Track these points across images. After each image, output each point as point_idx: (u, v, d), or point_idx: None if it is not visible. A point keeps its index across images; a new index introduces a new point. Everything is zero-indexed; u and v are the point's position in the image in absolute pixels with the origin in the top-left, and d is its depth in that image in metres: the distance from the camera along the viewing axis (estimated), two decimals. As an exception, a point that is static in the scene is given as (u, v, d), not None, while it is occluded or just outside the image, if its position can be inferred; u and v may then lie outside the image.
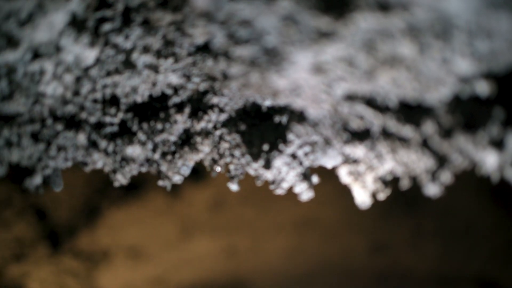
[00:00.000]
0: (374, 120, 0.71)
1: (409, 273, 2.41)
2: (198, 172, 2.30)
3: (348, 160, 0.81)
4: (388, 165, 0.77)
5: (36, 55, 0.75)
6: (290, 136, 0.86)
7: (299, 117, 0.78)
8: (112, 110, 0.84)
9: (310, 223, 2.40)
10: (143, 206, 2.34)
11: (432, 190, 0.69)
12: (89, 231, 2.31)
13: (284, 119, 0.88)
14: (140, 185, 2.32)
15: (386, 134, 0.72)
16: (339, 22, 0.57)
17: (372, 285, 2.40)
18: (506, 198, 2.32)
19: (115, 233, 2.32)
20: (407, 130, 0.68)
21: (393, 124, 0.69)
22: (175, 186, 2.32)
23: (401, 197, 2.38)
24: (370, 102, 0.70)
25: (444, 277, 2.40)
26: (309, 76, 0.66)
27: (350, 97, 0.70)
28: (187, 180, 2.37)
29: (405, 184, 0.72)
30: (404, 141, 0.71)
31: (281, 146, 0.86)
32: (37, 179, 0.82)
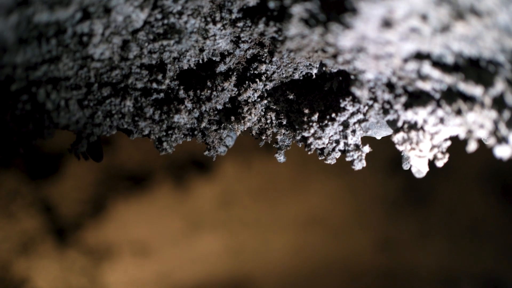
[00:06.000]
0: (441, 81, 0.68)
1: (416, 270, 2.39)
2: (206, 166, 2.29)
3: (405, 127, 0.78)
4: (450, 129, 0.74)
5: (86, 15, 0.72)
6: (342, 104, 0.83)
7: (356, 80, 0.75)
8: (159, 77, 0.81)
9: (317, 221, 2.38)
10: (150, 201, 2.32)
11: (502, 152, 0.66)
12: (95, 225, 2.30)
13: (334, 86, 0.85)
14: (147, 178, 2.31)
15: (452, 95, 0.69)
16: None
17: (379, 282, 2.39)
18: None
19: (121, 227, 2.31)
20: (476, 90, 0.65)
21: (461, 84, 0.66)
22: (182, 181, 2.31)
23: (408, 194, 2.36)
24: (439, 61, 0.67)
25: (451, 274, 2.38)
26: (377, 32, 0.63)
27: (418, 56, 0.67)
28: (194, 174, 2.35)
29: (472, 147, 0.69)
30: (472, 101, 0.68)
31: (332, 114, 0.83)
32: (82, 146, 0.79)
